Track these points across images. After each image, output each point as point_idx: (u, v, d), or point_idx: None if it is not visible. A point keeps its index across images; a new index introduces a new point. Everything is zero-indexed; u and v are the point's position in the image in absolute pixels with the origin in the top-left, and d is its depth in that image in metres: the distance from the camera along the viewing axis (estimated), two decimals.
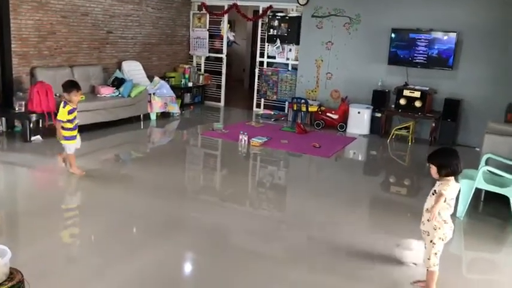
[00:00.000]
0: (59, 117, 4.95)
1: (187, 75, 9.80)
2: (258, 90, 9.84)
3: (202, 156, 6.79)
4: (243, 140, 7.02)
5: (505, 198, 4.40)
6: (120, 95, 7.68)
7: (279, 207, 4.94)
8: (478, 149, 7.25)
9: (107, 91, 7.61)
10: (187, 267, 3.54)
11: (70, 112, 4.96)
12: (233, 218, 4.37)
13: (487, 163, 4.72)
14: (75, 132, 5.09)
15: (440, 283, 3.31)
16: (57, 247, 3.66)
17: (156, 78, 8.73)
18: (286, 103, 9.29)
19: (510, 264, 3.90)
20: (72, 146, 5.10)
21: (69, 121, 4.97)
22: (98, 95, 7.52)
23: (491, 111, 7.12)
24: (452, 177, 3.16)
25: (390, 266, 3.49)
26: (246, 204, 4.88)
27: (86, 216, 4.23)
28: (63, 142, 5.04)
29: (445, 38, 7.55)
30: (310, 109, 8.52)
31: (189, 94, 9.93)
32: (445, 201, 3.03)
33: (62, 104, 4.94)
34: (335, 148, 7.14)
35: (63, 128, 4.99)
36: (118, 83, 7.89)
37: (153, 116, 8.34)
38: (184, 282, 3.29)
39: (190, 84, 9.81)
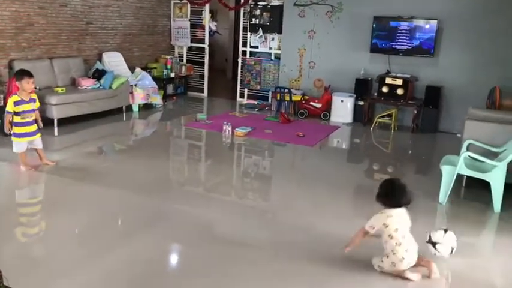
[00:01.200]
0: (6, 109, 4.73)
1: (169, 66, 9.70)
2: (241, 80, 9.80)
3: (186, 147, 6.75)
4: (226, 131, 7.00)
5: (486, 184, 4.47)
6: (101, 87, 7.58)
7: (264, 197, 4.95)
8: (459, 135, 7.35)
9: (87, 83, 7.50)
10: (173, 259, 3.53)
11: (16, 103, 4.68)
12: (218, 209, 4.36)
13: (468, 149, 4.78)
14: (26, 129, 4.82)
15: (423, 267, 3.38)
16: (39, 241, 3.61)
17: (138, 69, 8.64)
18: (270, 93, 9.28)
19: (491, 247, 3.98)
20: (20, 144, 4.83)
21: (16, 114, 4.72)
22: (79, 87, 7.42)
23: (472, 97, 7.19)
24: (390, 209, 3.22)
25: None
26: (231, 194, 4.87)
27: (68, 210, 4.17)
28: (13, 139, 4.83)
29: (426, 25, 7.59)
30: (293, 98, 8.52)
31: (171, 85, 9.85)
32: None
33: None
34: (319, 137, 7.16)
35: (14, 123, 4.76)
36: (99, 74, 7.78)
37: (135, 108, 8.25)
38: (169, 273, 3.28)
39: (172, 75, 9.71)
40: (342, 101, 8.19)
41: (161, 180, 5.08)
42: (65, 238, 3.61)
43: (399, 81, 7.60)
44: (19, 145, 4.85)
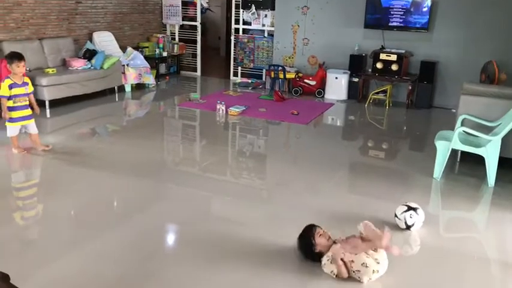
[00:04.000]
0: (1, 92, 4.64)
1: (161, 45, 9.57)
2: (234, 58, 9.70)
3: (180, 127, 6.71)
4: (220, 110, 6.95)
5: (480, 158, 4.47)
6: (92, 67, 7.47)
7: (260, 176, 4.94)
8: (454, 111, 7.35)
9: (78, 64, 7.39)
10: (170, 238, 3.53)
11: (11, 87, 4.63)
12: (214, 188, 4.35)
13: (462, 124, 4.76)
14: (19, 114, 4.75)
15: (418, 243, 3.40)
16: (34, 222, 3.60)
17: (129, 49, 8.52)
18: (264, 71, 9.20)
19: (485, 222, 4.00)
20: (13, 129, 4.78)
21: (8, 98, 4.66)
22: (70, 68, 7.31)
23: (466, 72, 7.16)
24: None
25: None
26: (227, 173, 4.86)
27: (62, 192, 4.15)
28: (6, 124, 4.78)
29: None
30: (287, 76, 8.45)
31: (164, 64, 9.74)
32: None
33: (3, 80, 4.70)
34: (313, 115, 7.13)
35: (8, 107, 4.70)
36: (90, 54, 7.66)
37: (127, 88, 8.17)
38: (167, 252, 3.28)
39: (164, 54, 9.60)
40: (336, 78, 8.13)
41: (156, 161, 5.05)
42: (60, 221, 3.60)
43: (393, 57, 7.54)
44: (12, 129, 4.80)
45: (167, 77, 9.67)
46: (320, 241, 2.96)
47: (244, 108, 7.08)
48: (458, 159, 5.07)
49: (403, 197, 4.09)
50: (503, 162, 4.46)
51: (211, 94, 8.28)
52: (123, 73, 8.04)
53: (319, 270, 2.92)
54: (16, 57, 4.66)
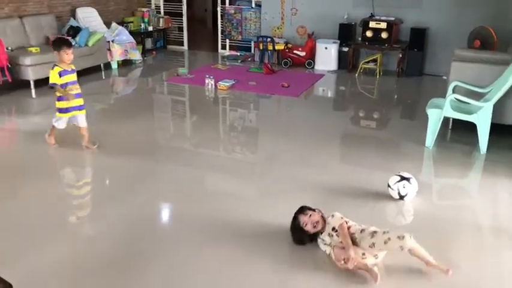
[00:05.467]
0: (50, 81, 4.25)
1: (146, 19, 9.36)
2: (222, 30, 9.53)
3: (169, 103, 6.61)
4: (209, 84, 6.85)
5: (471, 125, 4.45)
6: (76, 45, 7.28)
7: (252, 150, 4.90)
8: (445, 78, 7.32)
9: None
10: (162, 217, 3.50)
11: (61, 75, 4.23)
12: (207, 164, 4.31)
13: (454, 91, 4.73)
14: (69, 104, 4.33)
15: (412, 213, 3.40)
16: (24, 206, 3.55)
17: (114, 24, 8.32)
18: (252, 43, 9.05)
19: (477, 188, 4.01)
20: (61, 120, 4.38)
21: (61, 86, 4.26)
22: None
23: (456, 38, 7.08)
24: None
25: (368, 199, 3.52)
26: (219, 149, 4.82)
27: (51, 174, 4.09)
28: (56, 115, 4.37)
29: None
30: (276, 47, 8.32)
31: (150, 39, 9.56)
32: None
33: (51, 68, 4.29)
34: (304, 86, 7.05)
35: (57, 97, 4.31)
36: (73, 32, 7.47)
37: (114, 65, 8.01)
38: (158, 232, 3.25)
39: (150, 29, 9.40)
40: (326, 48, 8.02)
41: (145, 138, 4.98)
42: (49, 202, 3.54)
43: (383, 25, 7.43)
44: (60, 121, 4.40)
45: (154, 52, 9.50)
46: (306, 227, 2.86)
47: (234, 82, 6.98)
48: (450, 127, 5.05)
49: (395, 166, 4.08)
50: (494, 128, 4.44)
51: (200, 68, 8.15)
52: (109, 50, 7.87)
53: (312, 251, 2.91)
54: (64, 43, 4.28)
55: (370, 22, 7.54)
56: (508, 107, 4.56)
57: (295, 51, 8.28)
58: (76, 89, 4.37)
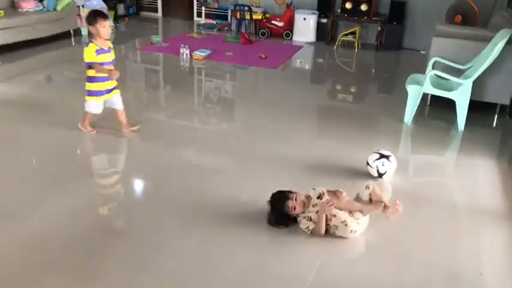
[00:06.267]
0: (86, 59, 3.70)
1: None
2: None
3: (142, 73, 6.39)
4: (184, 54, 6.63)
5: (450, 102, 4.43)
6: (44, 9, 6.95)
7: (228, 121, 4.78)
8: (423, 52, 7.29)
9: (29, 5, 6.85)
10: (135, 195, 3.37)
11: (98, 53, 3.69)
12: (182, 135, 4.18)
13: (433, 67, 4.68)
14: (105, 85, 3.84)
15: (390, 190, 3.36)
16: None
17: None
18: (229, 11, 8.79)
19: (454, 165, 4.01)
20: (96, 104, 3.89)
21: (92, 67, 3.73)
22: (20, 10, 6.78)
23: (436, 12, 6.98)
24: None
25: (347, 176, 3.47)
26: (194, 120, 4.69)
27: (21, 148, 3.89)
28: (87, 98, 3.88)
29: None
30: (254, 17, 8.10)
31: (122, 5, 9.18)
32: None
33: (85, 45, 3.75)
34: (282, 58, 6.91)
35: (87, 78, 3.82)
36: None
37: (84, 32, 7.66)
38: (140, 203, 3.13)
39: None
40: (304, 19, 7.85)
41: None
42: (16, 179, 3.37)
43: None
44: (94, 105, 3.90)
45: (126, 19, 9.14)
46: (295, 211, 2.78)
47: (210, 52, 6.77)
48: (429, 103, 5.02)
49: (374, 142, 4.06)
50: (472, 105, 4.42)
51: (174, 37, 7.89)
52: (79, 15, 7.52)
53: (292, 231, 2.84)
54: (100, 15, 3.70)
55: None
56: (487, 84, 4.54)
57: (273, 22, 8.09)
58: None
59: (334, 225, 2.70)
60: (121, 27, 8.60)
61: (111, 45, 3.85)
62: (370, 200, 2.79)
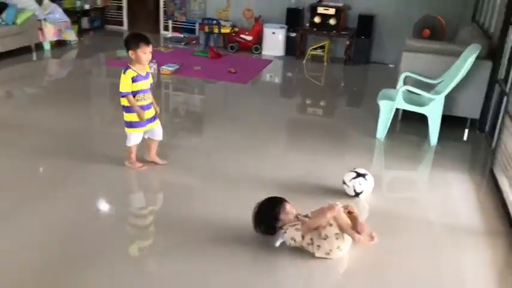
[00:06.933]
0: (121, 89, 3.36)
1: None
2: (164, 11, 9.07)
3: (108, 88, 6.17)
4: (152, 68, 6.44)
5: (421, 116, 4.42)
6: (3, 23, 6.66)
7: (197, 136, 4.66)
8: (391, 66, 7.37)
9: None
10: (104, 214, 3.18)
11: (134, 80, 3.35)
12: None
13: (404, 81, 4.68)
14: (144, 115, 3.45)
15: (367, 209, 3.29)
16: None
17: (46, 2, 7.67)
18: (197, 25, 8.68)
19: (429, 180, 3.99)
20: (137, 136, 3.53)
21: (132, 94, 3.38)
22: None
23: (403, 26, 7.07)
24: None
25: (322, 196, 3.37)
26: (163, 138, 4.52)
27: None
28: (126, 130, 3.53)
29: None
30: (222, 31, 8.02)
31: (86, 18, 8.93)
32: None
33: (122, 71, 3.39)
34: (251, 73, 6.82)
35: (122, 108, 3.46)
36: (0, 7, 6.80)
37: (46, 46, 7.40)
38: (102, 230, 2.95)
39: (87, 7, 8.80)
40: (273, 32, 7.81)
41: (85, 124, 4.62)
42: None
43: (332, 11, 7.31)
44: (135, 137, 3.53)
45: (91, 33, 8.90)
46: (286, 218, 2.72)
47: (178, 66, 6.63)
48: (400, 118, 5.01)
49: (348, 159, 4.03)
50: (442, 119, 4.42)
51: None
52: (40, 29, 7.25)
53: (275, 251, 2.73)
54: (143, 40, 3.35)
55: (318, 7, 7.40)
56: (457, 98, 4.57)
57: (241, 35, 8.01)
58: (149, 98, 3.49)
59: (325, 234, 2.60)
60: (85, 41, 8.35)
61: (149, 70, 3.53)
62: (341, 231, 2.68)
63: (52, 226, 2.89)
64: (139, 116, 3.40)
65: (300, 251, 2.69)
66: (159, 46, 8.15)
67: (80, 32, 8.44)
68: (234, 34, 8.04)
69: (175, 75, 6.39)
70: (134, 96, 3.37)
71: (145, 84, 3.42)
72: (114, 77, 6.54)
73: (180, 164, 3.83)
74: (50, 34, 7.39)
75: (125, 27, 9.53)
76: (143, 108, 3.42)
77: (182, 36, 8.75)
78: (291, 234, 2.67)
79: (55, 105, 5.06)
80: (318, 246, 2.62)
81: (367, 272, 2.62)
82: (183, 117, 5.14)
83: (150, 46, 3.36)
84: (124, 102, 3.41)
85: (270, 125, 4.83)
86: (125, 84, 3.33)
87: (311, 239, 2.63)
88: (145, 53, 3.31)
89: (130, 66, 3.35)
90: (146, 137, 3.62)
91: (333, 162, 3.98)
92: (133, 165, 3.63)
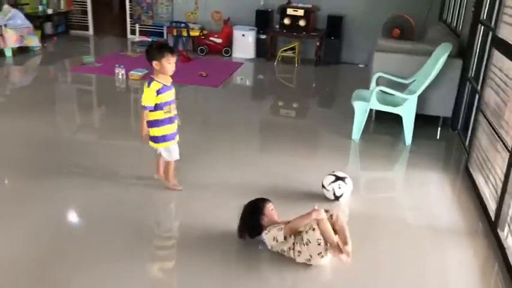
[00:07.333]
0: (143, 102, 3.12)
1: (44, 1, 8.45)
2: (131, 14, 8.87)
3: (74, 95, 5.97)
4: (120, 74, 6.28)
5: (394, 116, 4.42)
6: None
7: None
8: (361, 66, 7.40)
9: None
10: (72, 224, 3.03)
11: (160, 92, 3.14)
12: (119, 155, 3.95)
13: (377, 82, 4.68)
14: (170, 129, 3.25)
15: (347, 213, 3.24)
16: None
17: (6, 7, 7.37)
18: (165, 28, 8.52)
19: (403, 181, 3.99)
20: (175, 148, 3.32)
21: (157, 107, 3.15)
22: None
23: (372, 26, 7.13)
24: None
25: (302, 200, 3.31)
26: (132, 139, 4.40)
27: None
28: (154, 145, 3.30)
29: None
30: (191, 34, 7.89)
31: (49, 23, 8.64)
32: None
33: (146, 83, 3.16)
34: (223, 76, 6.72)
35: (151, 122, 3.20)
36: None
37: (8, 53, 7.10)
38: (75, 228, 2.81)
39: (50, 12, 8.51)
40: (243, 35, 7.74)
41: (50, 132, 4.43)
42: None
43: (301, 12, 7.29)
44: (174, 147, 3.31)
45: (55, 38, 8.61)
46: (270, 214, 2.72)
47: (147, 71, 6.45)
48: (373, 118, 5.01)
49: (324, 161, 4.01)
50: (415, 118, 4.44)
51: (108, 56, 7.51)
52: (1, 35, 6.96)
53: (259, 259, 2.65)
54: (168, 50, 3.13)
55: (288, 9, 7.37)
56: (430, 97, 4.59)
57: (211, 38, 7.91)
58: (175, 110, 3.28)
59: (307, 239, 2.55)
60: (49, 47, 8.08)
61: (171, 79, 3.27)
62: (334, 230, 2.63)
63: (18, 246, 2.72)
64: (141, 131, 3.21)
65: (283, 259, 2.62)
66: (126, 51, 7.96)
67: (43, 38, 8.15)
68: (203, 37, 7.93)
69: (144, 80, 6.22)
70: (162, 109, 3.16)
71: (172, 95, 3.23)
72: (80, 84, 6.34)
73: (149, 171, 3.70)
74: (11, 40, 7.10)
75: (91, 31, 9.28)
76: (171, 120, 3.23)
77: (150, 40, 8.57)
78: (273, 234, 2.63)
79: (19, 114, 4.84)
80: (299, 252, 2.57)
81: (350, 276, 2.58)
82: None
83: (176, 56, 3.17)
84: (152, 116, 3.17)
85: (243, 128, 4.76)
86: (149, 97, 3.10)
87: (293, 244, 2.58)
88: (170, 62, 3.11)
89: (155, 78, 3.14)
90: (158, 152, 3.38)
91: (309, 165, 3.94)
92: (172, 185, 3.38)
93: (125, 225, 2.95)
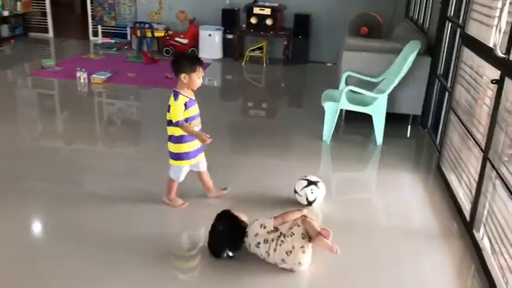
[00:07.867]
0: (175, 117, 2.91)
1: (0, 3, 8.06)
2: (92, 15, 8.58)
3: (34, 101, 5.68)
4: (81, 78, 6.02)
5: (364, 115, 4.36)
6: None
7: (135, 143, 4.42)
8: (329, 64, 7.36)
9: None
10: (34, 231, 2.87)
11: (187, 106, 2.95)
12: (85, 160, 3.81)
13: (346, 81, 4.62)
14: (195, 145, 3.06)
15: (321, 217, 3.15)
16: None
17: None
18: (128, 29, 8.28)
19: (376, 182, 3.94)
20: (183, 170, 3.11)
21: (178, 122, 2.95)
22: None
23: (339, 24, 7.09)
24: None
25: (275, 206, 3.19)
26: (97, 143, 4.24)
27: None
28: (173, 163, 3.09)
29: None
30: (156, 34, 7.67)
31: (6, 26, 8.26)
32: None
33: (171, 97, 2.95)
34: None
35: (170, 138, 3.04)
36: None
37: None
38: (40, 244, 2.65)
39: (6, 13, 8.13)
40: (209, 35, 7.57)
41: (10, 141, 4.20)
42: None
43: (267, 11, 7.19)
44: (182, 170, 3.10)
45: (12, 41, 8.23)
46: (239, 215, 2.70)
47: (110, 74, 6.24)
48: (344, 118, 4.95)
49: (295, 163, 3.93)
50: (386, 117, 4.39)
51: (69, 59, 7.22)
52: None
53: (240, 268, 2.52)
54: (200, 63, 2.95)
55: (254, 8, 7.26)
56: (399, 96, 4.55)
57: (176, 39, 7.71)
58: (199, 124, 3.11)
59: (292, 232, 2.52)
60: (6, 50, 7.72)
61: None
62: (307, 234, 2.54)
63: None
64: (200, 139, 3.00)
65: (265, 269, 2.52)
66: (88, 53, 7.69)
67: (0, 41, 7.78)
68: (168, 37, 7.72)
69: (107, 84, 6.00)
70: (191, 121, 3.00)
71: (197, 109, 3.07)
72: (40, 88, 6.06)
73: (120, 175, 3.52)
74: None
75: (51, 34, 8.93)
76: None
77: (113, 41, 8.31)
78: (260, 222, 2.60)
79: None
80: (282, 241, 2.50)
81: (325, 282, 2.52)
82: (119, 127, 4.81)
83: (204, 68, 3.00)
84: (176, 131, 2.98)
85: (211, 131, 4.54)
86: (179, 111, 2.91)
87: (278, 236, 2.53)
88: (199, 77, 2.95)
89: (180, 91, 2.94)
90: (191, 169, 3.18)
91: (280, 168, 3.83)
92: (174, 203, 3.18)
93: (98, 237, 2.77)
